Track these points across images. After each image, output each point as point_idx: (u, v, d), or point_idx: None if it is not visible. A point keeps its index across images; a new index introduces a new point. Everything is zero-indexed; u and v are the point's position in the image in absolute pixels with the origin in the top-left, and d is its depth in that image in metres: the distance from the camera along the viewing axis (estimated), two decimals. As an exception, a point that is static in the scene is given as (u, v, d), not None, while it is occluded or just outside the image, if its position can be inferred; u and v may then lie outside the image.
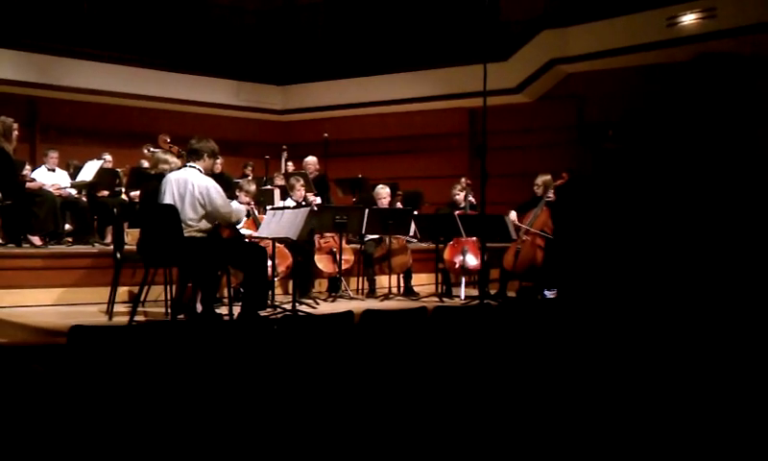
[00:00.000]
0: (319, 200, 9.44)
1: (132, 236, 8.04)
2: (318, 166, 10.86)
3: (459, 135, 14.53)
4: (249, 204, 8.06)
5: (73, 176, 9.84)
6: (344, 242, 8.77)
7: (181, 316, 6.58)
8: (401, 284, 9.22)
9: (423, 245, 9.99)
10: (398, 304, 7.90)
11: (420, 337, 4.78)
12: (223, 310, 6.90)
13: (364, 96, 14.81)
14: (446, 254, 8.99)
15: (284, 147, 12.05)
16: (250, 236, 7.68)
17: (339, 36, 15.65)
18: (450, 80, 13.67)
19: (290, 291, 8.06)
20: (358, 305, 6.64)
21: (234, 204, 7.00)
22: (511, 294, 8.91)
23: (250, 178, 9.91)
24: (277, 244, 7.57)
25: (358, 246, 9.16)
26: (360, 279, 9.10)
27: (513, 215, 8.66)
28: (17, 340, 5.92)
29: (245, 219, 7.82)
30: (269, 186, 9.91)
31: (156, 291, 7.11)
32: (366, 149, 14.83)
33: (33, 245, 8.30)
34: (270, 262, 7.19)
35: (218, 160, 8.70)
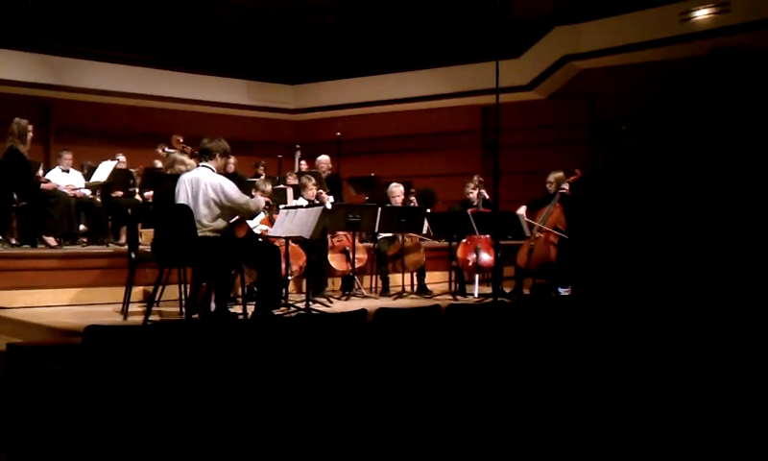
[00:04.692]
0: (332, 199, 9.44)
1: (146, 236, 8.07)
2: (330, 165, 10.86)
3: (472, 133, 14.51)
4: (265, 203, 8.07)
5: (87, 177, 9.89)
6: (357, 241, 8.77)
7: (196, 315, 6.59)
8: (415, 282, 9.21)
9: (437, 243, 9.98)
10: (412, 303, 7.89)
11: (433, 335, 4.77)
12: (237, 309, 6.91)
13: (376, 95, 14.80)
14: (460, 252, 8.98)
15: (298, 146, 12.06)
16: (264, 232, 7.69)
17: (351, 34, 15.65)
18: (462, 77, 13.65)
19: (303, 290, 8.06)
20: (371, 304, 6.63)
21: (255, 198, 7.04)
22: (525, 291, 8.90)
23: (263, 177, 9.93)
24: (291, 243, 7.58)
25: (371, 244, 9.16)
26: (373, 277, 9.09)
27: (522, 210, 8.63)
28: (33, 340, 5.94)
29: (259, 216, 7.83)
30: (282, 186, 9.93)
31: (171, 291, 7.14)
32: (378, 147, 14.83)
33: (48, 246, 8.35)
34: (283, 261, 7.20)
35: (231, 160, 8.72)
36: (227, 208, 6.46)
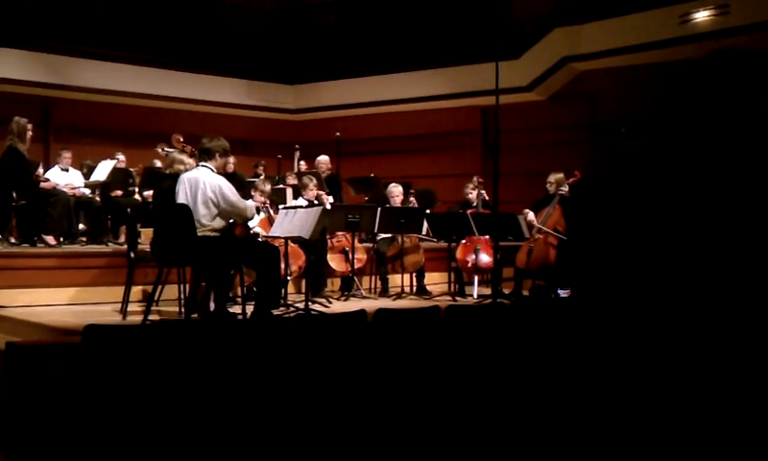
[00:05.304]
0: (332, 199, 9.44)
1: (145, 236, 8.07)
2: (330, 165, 10.86)
3: (471, 134, 14.52)
4: (264, 203, 8.07)
5: (86, 176, 9.88)
6: (356, 241, 8.77)
7: (195, 315, 6.59)
8: (414, 283, 9.20)
9: (435, 243, 9.98)
10: (411, 303, 7.88)
11: (432, 336, 4.77)
12: (236, 309, 6.91)
13: (376, 95, 14.81)
14: (459, 253, 8.98)
15: (297, 146, 12.06)
16: (262, 235, 7.69)
17: (351, 34, 15.66)
18: (462, 78, 13.66)
19: (303, 290, 8.06)
20: (371, 304, 6.63)
21: (249, 202, 7.03)
22: (525, 293, 8.89)
23: (262, 177, 9.93)
24: (290, 243, 7.58)
25: (371, 245, 9.15)
26: (373, 277, 9.09)
27: (531, 215, 8.62)
28: (32, 339, 5.94)
29: (258, 217, 7.83)
30: (281, 186, 9.93)
31: (170, 290, 7.13)
32: (378, 148, 14.83)
33: (47, 245, 8.35)
34: (283, 261, 7.20)
35: (230, 159, 8.71)
36: (223, 210, 6.46)
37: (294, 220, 7.06)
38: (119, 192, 9.66)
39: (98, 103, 13.84)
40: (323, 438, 3.67)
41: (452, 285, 9.07)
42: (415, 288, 9.16)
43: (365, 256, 8.99)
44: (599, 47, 12.31)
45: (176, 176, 6.80)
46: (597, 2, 12.45)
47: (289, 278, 7.82)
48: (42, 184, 8.85)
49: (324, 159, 10.81)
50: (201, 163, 6.61)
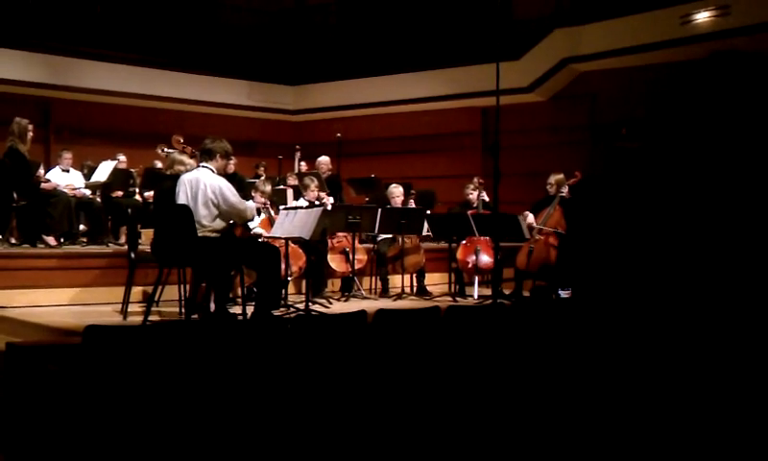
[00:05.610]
0: (332, 200, 9.44)
1: (146, 236, 8.08)
2: (330, 166, 10.85)
3: (472, 135, 14.52)
4: (264, 204, 8.07)
5: (87, 176, 9.89)
6: (357, 242, 8.76)
7: (195, 316, 6.59)
8: (414, 284, 9.20)
9: (435, 244, 9.98)
10: (411, 304, 7.88)
11: (433, 337, 4.77)
12: (236, 310, 6.91)
13: (377, 96, 14.81)
14: (459, 254, 8.98)
15: (298, 147, 12.06)
16: (261, 235, 7.69)
17: (351, 35, 15.67)
18: (463, 79, 13.67)
19: (303, 291, 8.06)
20: (371, 305, 6.62)
21: (249, 203, 7.02)
22: (525, 293, 8.89)
23: (263, 178, 9.93)
24: (291, 244, 7.58)
25: (371, 245, 9.15)
26: (373, 278, 9.08)
27: (530, 217, 8.61)
28: (33, 340, 5.94)
29: (258, 218, 7.83)
30: (282, 186, 9.92)
31: (170, 291, 7.13)
32: (379, 148, 14.83)
33: (47, 245, 8.34)
34: (283, 262, 7.20)
35: (231, 161, 8.74)
36: (223, 211, 6.46)
37: (294, 221, 7.06)
38: (120, 193, 9.67)
39: (99, 103, 13.85)
40: (323, 438, 3.67)
41: (452, 286, 9.07)
42: (415, 289, 9.16)
43: (365, 257, 8.98)
44: (600, 48, 12.31)
45: (176, 177, 6.80)
46: (598, 3, 12.46)
47: (289, 278, 7.82)
48: (43, 185, 8.85)
49: (324, 160, 10.80)
50: (201, 164, 6.61)
